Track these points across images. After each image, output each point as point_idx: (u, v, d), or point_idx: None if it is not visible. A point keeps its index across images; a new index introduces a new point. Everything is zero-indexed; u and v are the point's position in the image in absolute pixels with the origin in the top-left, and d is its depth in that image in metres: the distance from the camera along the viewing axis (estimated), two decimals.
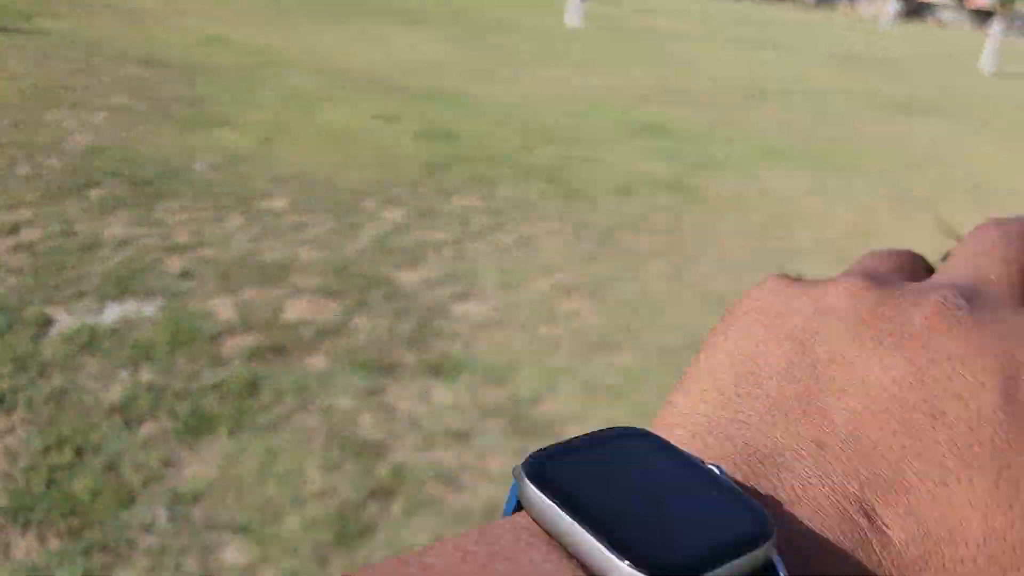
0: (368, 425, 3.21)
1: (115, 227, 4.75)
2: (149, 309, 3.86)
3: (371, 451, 3.04)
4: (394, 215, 5.58)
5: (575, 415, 3.48)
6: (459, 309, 4.32)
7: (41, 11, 12.12)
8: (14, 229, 4.54)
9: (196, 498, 2.68)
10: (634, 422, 0.27)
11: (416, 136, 7.78)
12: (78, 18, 12.02)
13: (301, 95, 8.93)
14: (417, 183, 6.34)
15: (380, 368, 3.62)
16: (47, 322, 3.62)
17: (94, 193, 5.24)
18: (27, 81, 7.83)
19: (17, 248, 4.31)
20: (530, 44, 17.15)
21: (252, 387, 3.34)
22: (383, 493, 2.82)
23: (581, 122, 9.60)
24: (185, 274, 4.26)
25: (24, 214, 4.77)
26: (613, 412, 3.54)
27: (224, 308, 3.98)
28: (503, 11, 24.90)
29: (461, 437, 3.21)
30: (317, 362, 3.62)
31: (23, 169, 5.49)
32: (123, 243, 4.54)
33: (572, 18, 22.17)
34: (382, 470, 2.94)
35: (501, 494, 2.92)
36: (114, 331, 3.62)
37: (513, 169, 7.12)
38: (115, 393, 3.18)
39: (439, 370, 3.67)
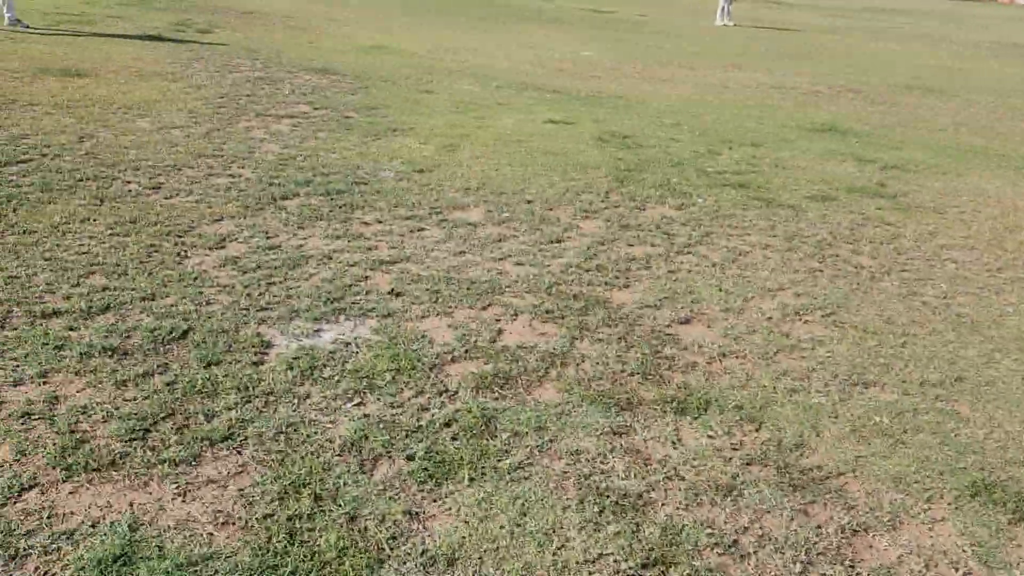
0: (621, 473, 2.81)
1: (316, 240, 4.59)
2: (364, 331, 3.62)
3: (632, 506, 2.64)
4: (592, 227, 5.19)
5: (849, 464, 2.96)
6: (687, 335, 3.86)
7: (218, 24, 12.58)
8: (220, 243, 4.45)
9: (451, 562, 2.35)
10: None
11: (595, 141, 7.38)
12: (251, 30, 12.39)
13: (471, 100, 8.72)
14: (608, 192, 5.93)
15: (618, 403, 3.22)
16: (265, 345, 3.44)
17: (291, 204, 5.13)
18: (212, 91, 7.99)
19: (225, 263, 4.20)
20: (682, 44, 16.47)
21: (487, 424, 3.02)
22: (659, 564, 2.41)
23: (754, 123, 8.93)
24: (394, 292, 4.01)
25: (227, 227, 4.69)
26: (889, 463, 2.99)
27: (440, 330, 3.69)
28: (644, 11, 24.23)
29: (729, 491, 2.76)
30: (548, 394, 3.26)
31: (221, 180, 5.46)
32: (327, 258, 4.36)
33: (721, 17, 21.28)
34: (651, 531, 2.53)
35: (787, 567, 2.45)
36: (332, 355, 3.39)
37: (702, 175, 6.59)
38: (344, 428, 2.92)
39: (684, 407, 3.23)
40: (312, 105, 7.83)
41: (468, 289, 4.13)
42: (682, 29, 19.28)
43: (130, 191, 5.11)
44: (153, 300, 3.75)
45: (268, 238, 4.58)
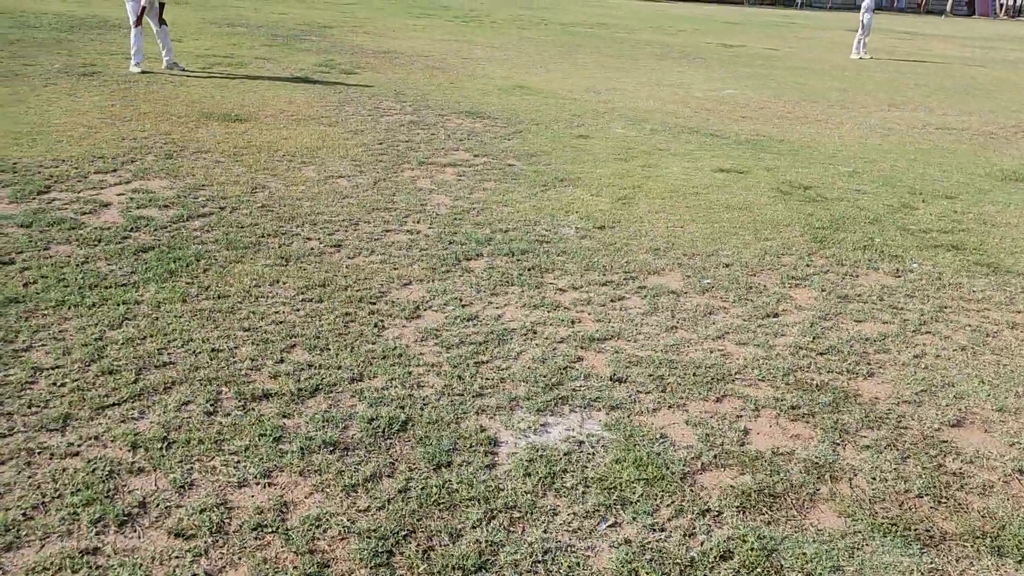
0: None
1: (513, 309, 4.25)
2: (594, 426, 3.23)
3: None
4: (806, 297, 4.67)
5: None
6: (965, 443, 3.29)
7: (360, 65, 12.69)
8: (415, 311, 4.16)
9: None
10: None
11: (776, 193, 6.85)
12: (392, 71, 12.43)
13: (629, 146, 8.33)
14: (810, 254, 5.40)
15: (918, 536, 2.69)
16: (492, 442, 3.08)
17: (477, 266, 4.83)
18: (370, 136, 7.88)
19: (425, 336, 3.90)
20: (825, 80, 15.67)
21: (768, 557, 2.55)
22: None
23: (936, 171, 8.17)
24: (616, 378, 3.61)
25: (418, 292, 4.41)
26: None
27: (678, 427, 3.25)
28: (772, 44, 23.43)
29: None
30: (827, 519, 2.77)
31: (400, 236, 5.23)
32: (530, 332, 4.01)
33: (857, 50, 20.29)
34: None
35: None
36: (568, 457, 3.00)
37: (905, 234, 5.96)
38: (607, 559, 2.51)
39: (1000, 547, 2.68)
40: (471, 152, 7.60)
41: (694, 375, 3.68)
42: (817, 63, 18.45)
43: (312, 249, 4.92)
44: (362, 381, 3.46)
45: (463, 306, 4.27)
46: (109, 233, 4.90)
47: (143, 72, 10.52)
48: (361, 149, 7.43)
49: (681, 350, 3.92)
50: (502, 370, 3.63)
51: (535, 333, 4.01)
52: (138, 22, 10.59)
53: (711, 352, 3.92)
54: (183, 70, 11.02)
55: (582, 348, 3.88)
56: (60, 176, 5.92)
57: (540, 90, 11.69)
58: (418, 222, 5.55)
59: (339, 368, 3.54)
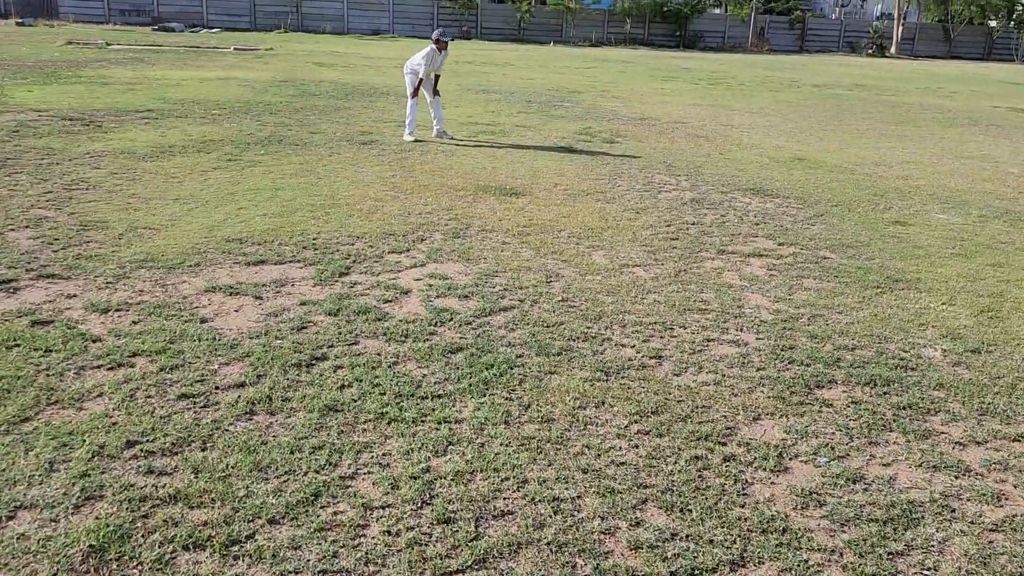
0: None
1: (906, 469, 3.34)
2: None
3: None
4: None
5: None
6: None
7: (620, 134, 12.28)
8: (779, 463, 3.37)
9: None
10: None
11: None
12: (653, 139, 11.90)
13: (965, 238, 7.08)
14: None
15: None
16: None
17: (833, 397, 3.96)
18: (653, 216, 7.27)
19: (805, 501, 3.09)
20: None
21: None
22: None
23: None
24: None
25: (772, 431, 3.61)
26: None
27: None
28: None
29: None
30: None
31: (725, 348, 4.48)
32: (943, 509, 3.07)
33: None
34: None
35: None
36: None
37: None
38: None
39: None
40: (773, 239, 6.75)
41: None
42: None
43: (630, 360, 4.29)
44: (744, 567, 2.71)
45: (838, 457, 3.42)
46: (415, 328, 4.57)
47: (416, 141, 10.72)
48: (648, 232, 6.82)
49: None
50: (927, 569, 2.74)
51: (951, 511, 3.07)
52: (415, 93, 10.85)
53: None
54: (451, 138, 11.14)
55: (1022, 543, 2.90)
56: (357, 255, 5.80)
57: (822, 162, 10.61)
58: (741, 329, 4.79)
59: (711, 543, 2.82)
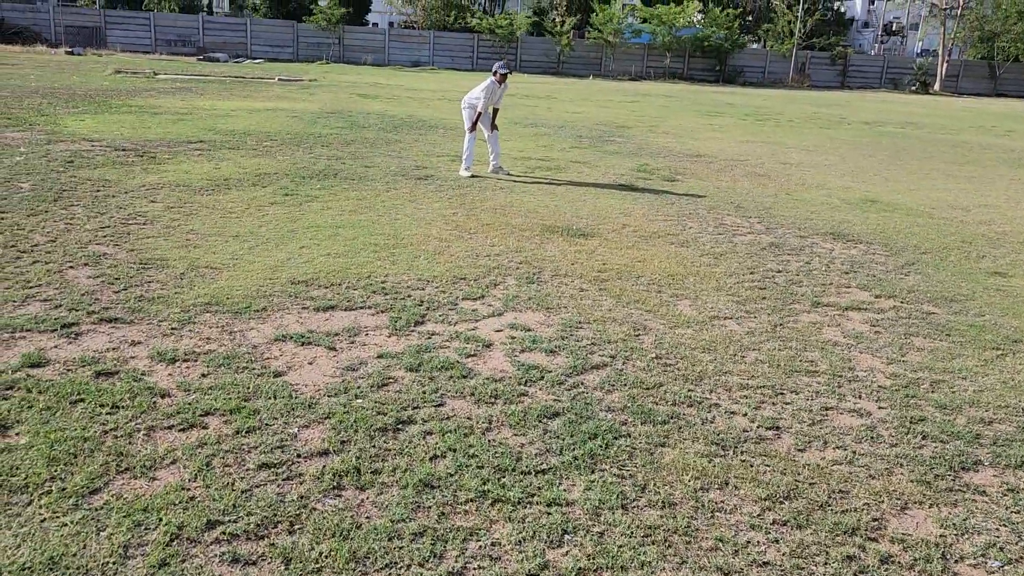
0: None
1: None
2: None
3: None
4: None
5: None
6: None
7: (679, 171, 11.92)
8: (945, 569, 2.93)
9: None
10: None
11: None
12: (714, 178, 11.51)
13: None
14: None
15: None
16: None
17: (984, 483, 3.51)
18: (734, 262, 6.87)
19: None
20: None
21: None
22: None
23: None
24: None
25: (929, 528, 3.17)
26: None
27: None
28: None
29: None
30: None
31: (846, 419, 4.05)
32: None
33: None
34: None
35: None
36: None
37: None
38: None
39: None
40: (868, 290, 6.31)
41: None
42: None
43: (746, 432, 3.88)
44: None
45: (1012, 561, 2.97)
46: (504, 388, 4.20)
47: (472, 176, 10.44)
48: (732, 280, 6.41)
49: None
50: None
51: None
52: (472, 127, 10.60)
53: None
54: (507, 174, 10.85)
55: None
56: (430, 302, 5.46)
57: (896, 205, 10.14)
58: (859, 396, 4.35)
59: None
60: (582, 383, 4.33)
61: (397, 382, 4.21)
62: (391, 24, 52.71)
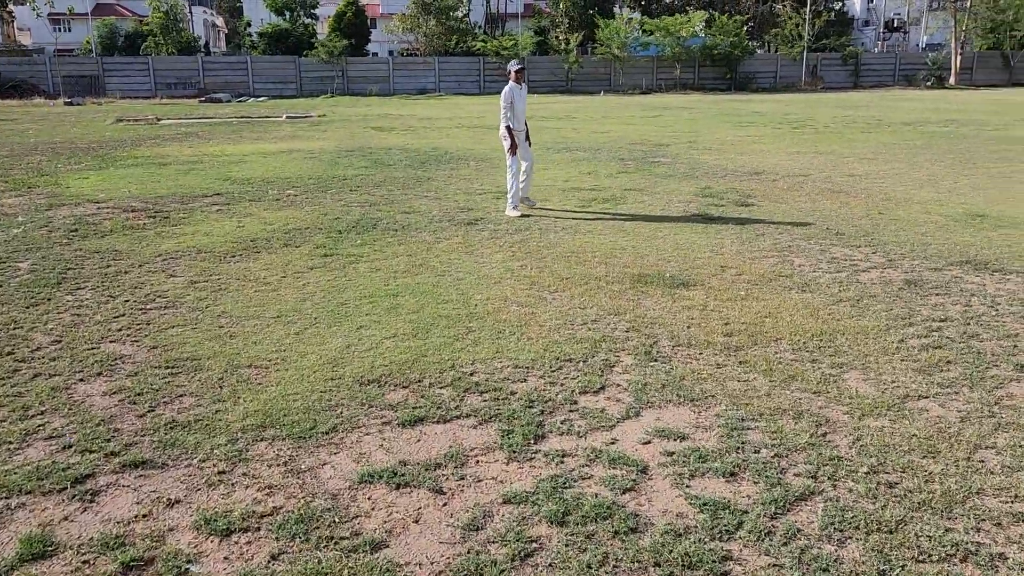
0: None
1: None
2: None
3: None
4: None
5: None
6: None
7: (747, 193, 10.72)
8: None
9: None
10: None
11: None
12: (789, 199, 10.29)
13: None
14: None
15: None
16: None
17: None
18: (881, 311, 5.65)
19: None
20: None
21: None
22: None
23: None
24: None
25: None
26: None
27: None
28: None
29: None
30: None
31: None
32: None
33: None
34: None
35: None
36: None
37: None
38: None
39: None
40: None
41: None
42: None
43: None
44: None
45: None
46: (695, 549, 2.97)
47: (522, 216, 9.28)
48: (893, 337, 5.19)
49: None
50: None
51: None
52: (512, 149, 9.34)
53: None
54: (532, 205, 9.75)
55: None
56: (541, 401, 4.26)
57: (1008, 219, 8.92)
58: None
59: None
60: (796, 529, 3.11)
61: (544, 549, 3.00)
62: (391, 53, 51.97)
